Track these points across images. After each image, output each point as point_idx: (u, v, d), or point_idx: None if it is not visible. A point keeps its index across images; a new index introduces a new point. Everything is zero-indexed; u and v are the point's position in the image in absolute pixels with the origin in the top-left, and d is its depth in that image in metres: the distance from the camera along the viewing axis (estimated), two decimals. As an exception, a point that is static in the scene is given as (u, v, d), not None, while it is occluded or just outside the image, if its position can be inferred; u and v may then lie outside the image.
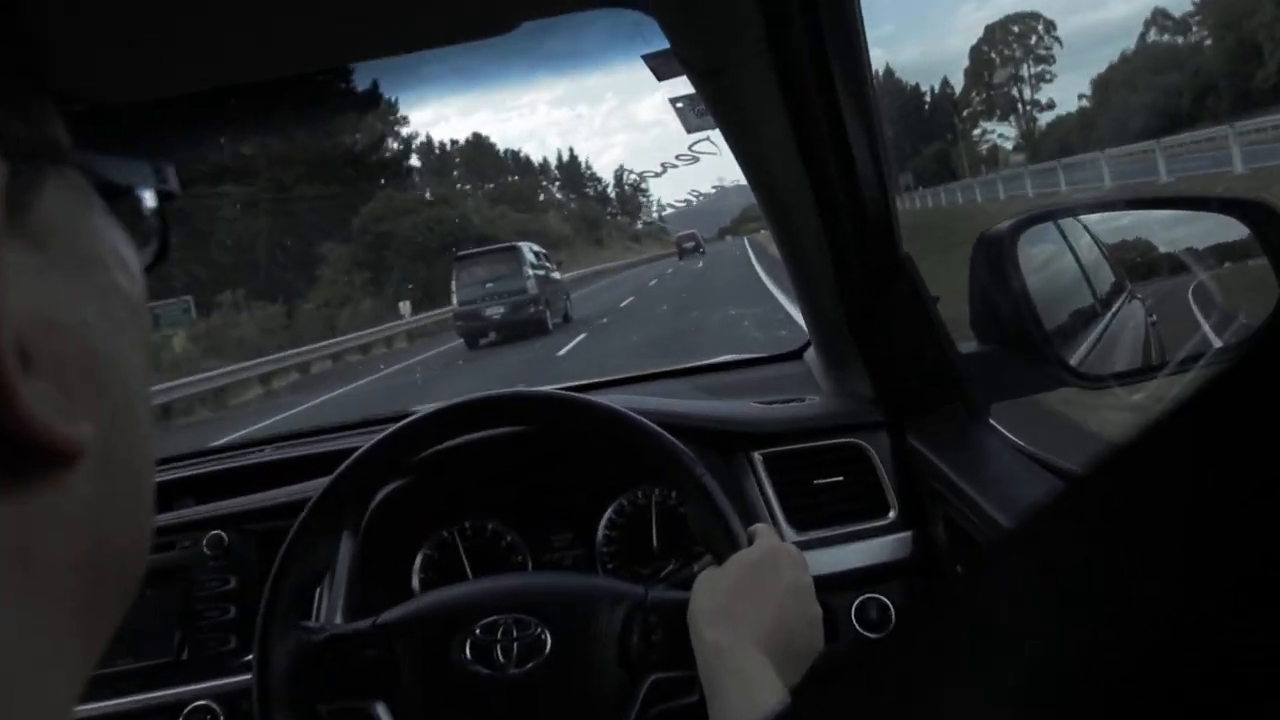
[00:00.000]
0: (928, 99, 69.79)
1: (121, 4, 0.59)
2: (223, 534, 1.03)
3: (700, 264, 30.16)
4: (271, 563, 0.83)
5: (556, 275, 16.52)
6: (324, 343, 18.10)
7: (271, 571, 0.82)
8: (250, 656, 0.80)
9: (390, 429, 0.86)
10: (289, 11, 0.63)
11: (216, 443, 1.49)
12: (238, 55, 0.75)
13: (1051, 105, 67.53)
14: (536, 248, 16.14)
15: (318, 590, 0.86)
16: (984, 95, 67.15)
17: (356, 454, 0.85)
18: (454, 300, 14.59)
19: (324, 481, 0.85)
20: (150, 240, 0.29)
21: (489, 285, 13.95)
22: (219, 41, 0.70)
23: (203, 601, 1.01)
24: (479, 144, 71.45)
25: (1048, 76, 66.79)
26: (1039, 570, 0.14)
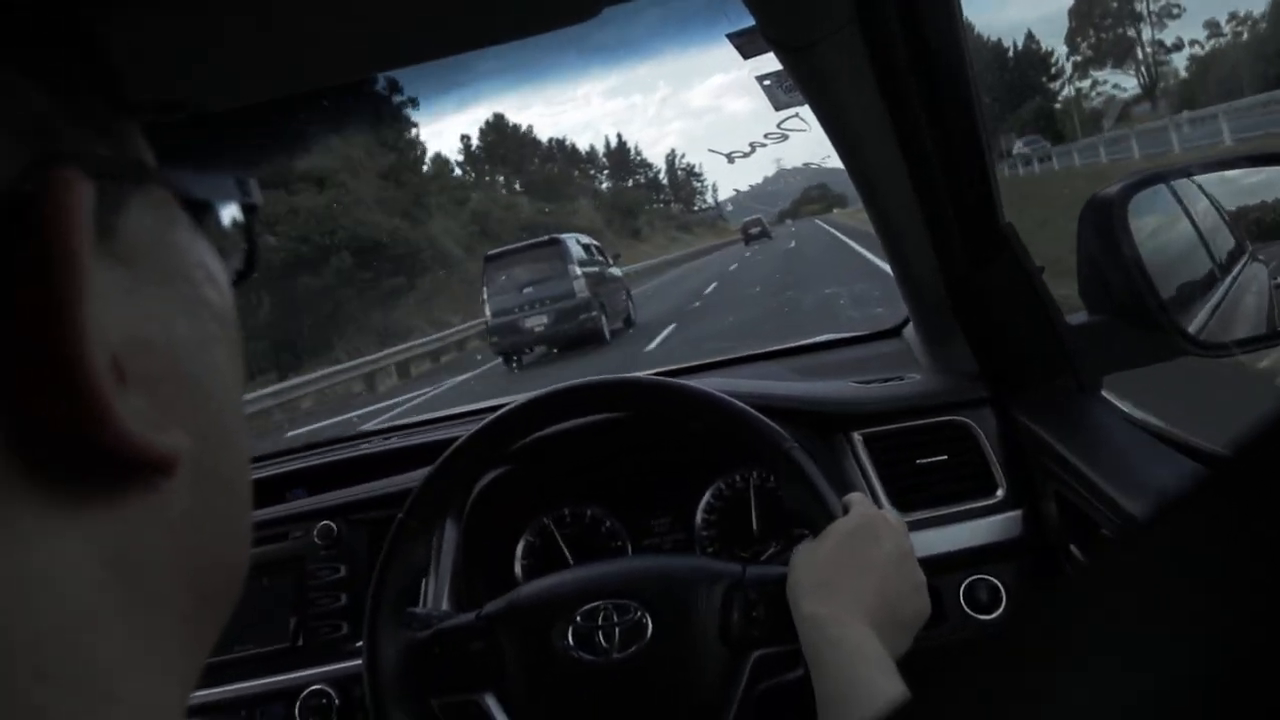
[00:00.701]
0: (1011, 53, 62.84)
1: (209, 13, 0.62)
2: (332, 524, 1.06)
3: (792, 243, 29.18)
4: (379, 550, 0.85)
5: (615, 271, 13.90)
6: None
7: (377, 566, 0.84)
8: (360, 643, 0.82)
9: (487, 419, 0.87)
10: (379, 10, 0.66)
11: (321, 437, 1.56)
12: (326, 57, 0.78)
13: (1179, 46, 58.95)
14: (585, 239, 13.67)
15: (424, 578, 0.88)
16: (1093, 39, 58.23)
17: (456, 444, 0.87)
18: (486, 310, 11.86)
19: (426, 471, 0.87)
20: (237, 252, 0.30)
21: (528, 290, 11.45)
22: (310, 44, 0.73)
23: (315, 590, 1.04)
24: (500, 128, 67.07)
25: (1174, 11, 58.61)
26: (1176, 572, 0.13)
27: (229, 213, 0.30)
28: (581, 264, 11.74)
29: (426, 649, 0.80)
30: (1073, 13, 61.84)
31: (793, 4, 0.72)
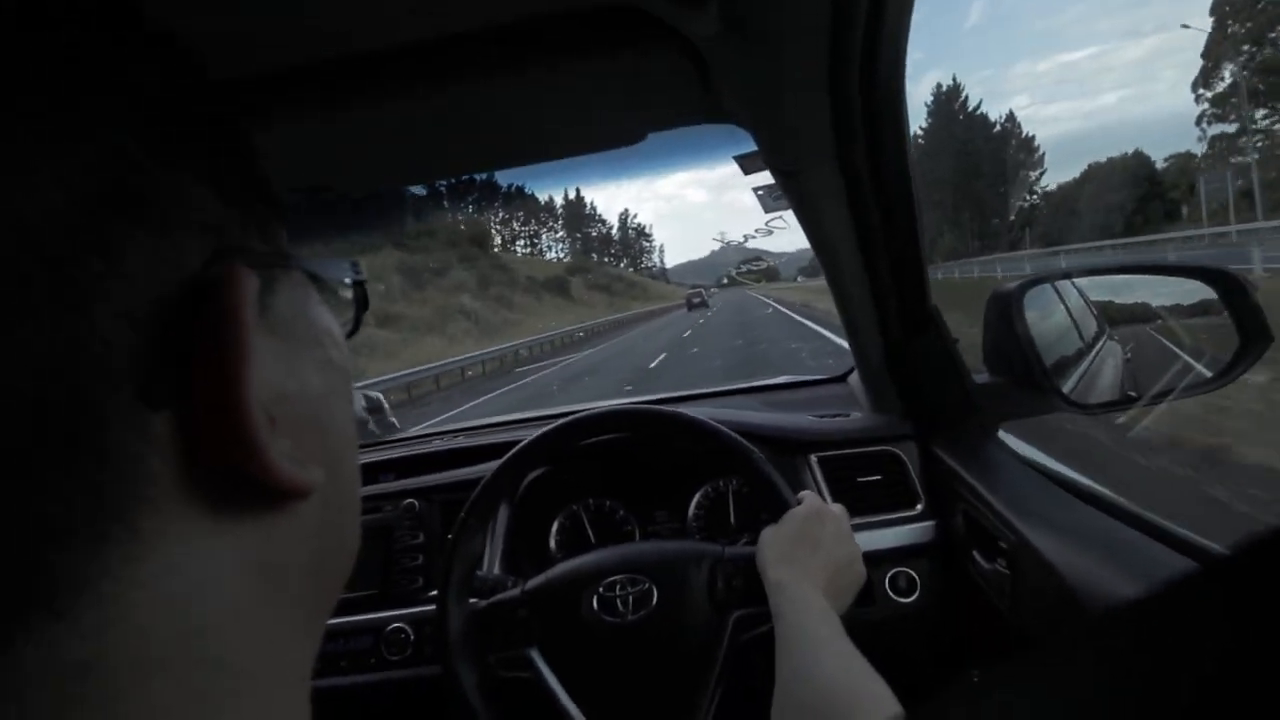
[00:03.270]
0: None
1: (352, 138, 0.74)
2: (415, 502, 1.17)
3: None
4: (450, 523, 0.93)
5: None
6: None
7: (444, 553, 0.91)
8: (433, 592, 0.90)
9: (539, 432, 0.96)
10: (478, 129, 0.77)
11: (409, 432, 1.68)
12: (434, 162, 0.89)
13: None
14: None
15: (486, 546, 0.95)
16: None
17: (515, 449, 0.95)
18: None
19: (492, 465, 0.95)
20: (349, 316, 0.31)
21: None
22: (432, 153, 0.85)
23: (399, 552, 1.15)
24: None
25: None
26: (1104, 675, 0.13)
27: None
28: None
29: (484, 617, 0.87)
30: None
31: (787, 140, 0.79)
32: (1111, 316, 1.09)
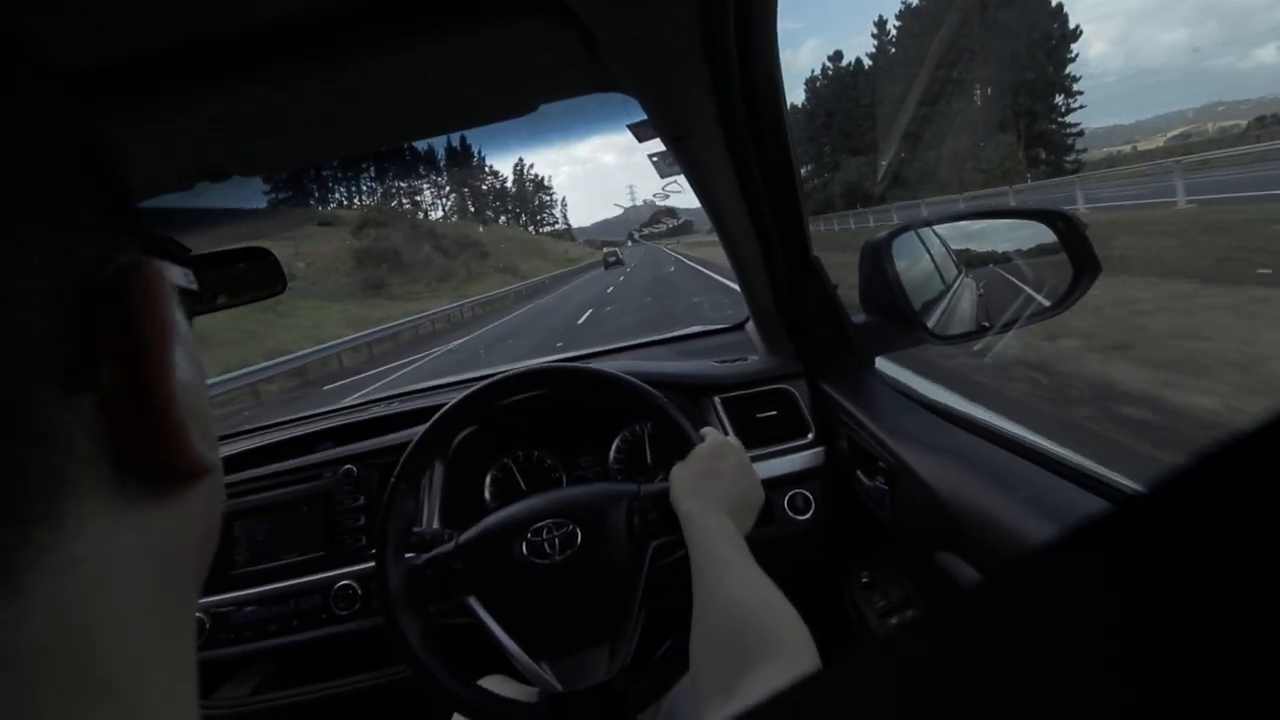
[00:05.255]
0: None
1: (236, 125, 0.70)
2: (353, 467, 1.17)
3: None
4: (387, 485, 0.92)
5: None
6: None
7: (379, 517, 0.90)
8: (374, 549, 0.90)
9: (463, 394, 0.96)
10: (363, 106, 0.73)
11: (345, 401, 1.64)
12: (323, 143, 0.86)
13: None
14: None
15: (423, 504, 0.95)
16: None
17: (438, 414, 0.95)
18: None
19: (420, 429, 0.95)
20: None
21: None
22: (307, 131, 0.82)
23: (341, 514, 1.15)
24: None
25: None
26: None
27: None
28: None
29: (422, 571, 0.87)
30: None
31: (673, 107, 0.79)
32: (967, 259, 1.17)
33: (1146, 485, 0.12)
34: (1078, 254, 0.97)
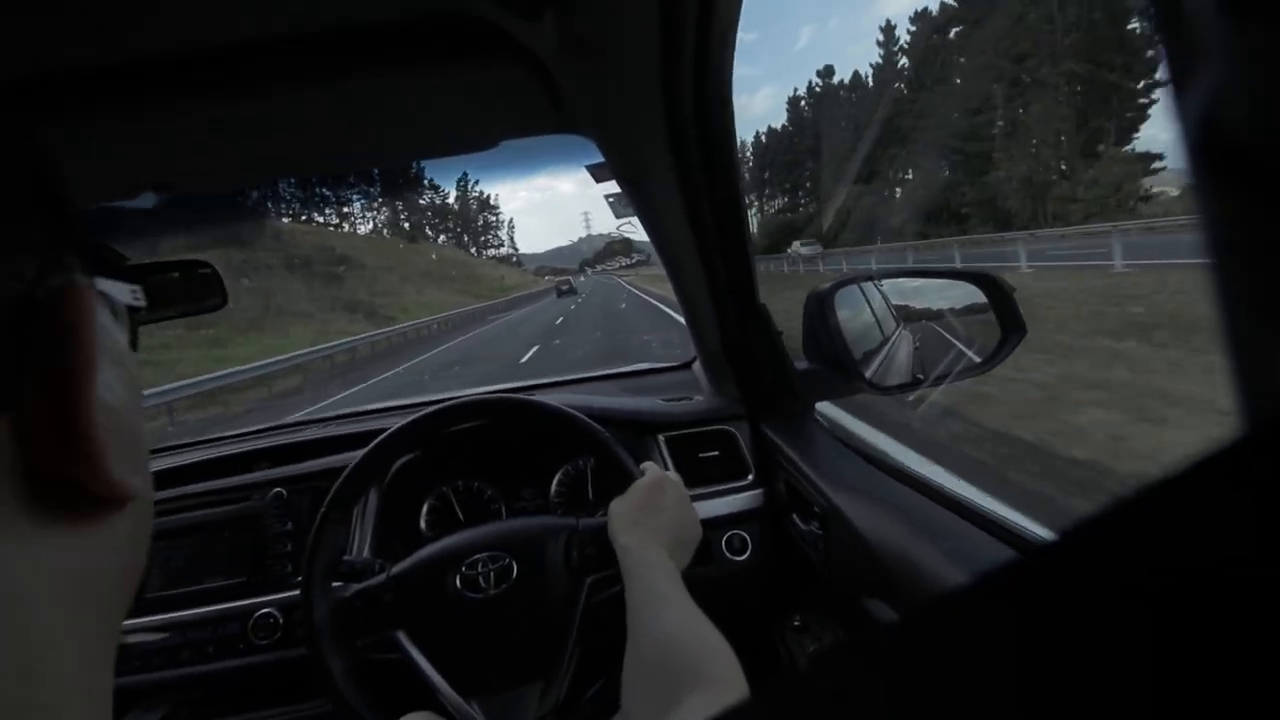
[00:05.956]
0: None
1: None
2: (283, 490, 1.12)
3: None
4: (318, 510, 0.89)
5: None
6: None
7: (308, 547, 0.87)
8: (301, 577, 0.87)
9: (404, 421, 0.93)
10: (327, 131, 0.73)
11: (284, 420, 1.58)
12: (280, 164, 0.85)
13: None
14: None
15: (355, 531, 0.92)
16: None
17: (377, 440, 0.93)
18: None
19: (357, 455, 0.92)
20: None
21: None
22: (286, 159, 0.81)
23: (268, 539, 1.10)
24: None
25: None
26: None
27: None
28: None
29: (350, 604, 0.84)
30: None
31: (629, 150, 0.81)
32: (906, 314, 1.20)
33: (1056, 534, 0.12)
34: (1005, 316, 1.01)
